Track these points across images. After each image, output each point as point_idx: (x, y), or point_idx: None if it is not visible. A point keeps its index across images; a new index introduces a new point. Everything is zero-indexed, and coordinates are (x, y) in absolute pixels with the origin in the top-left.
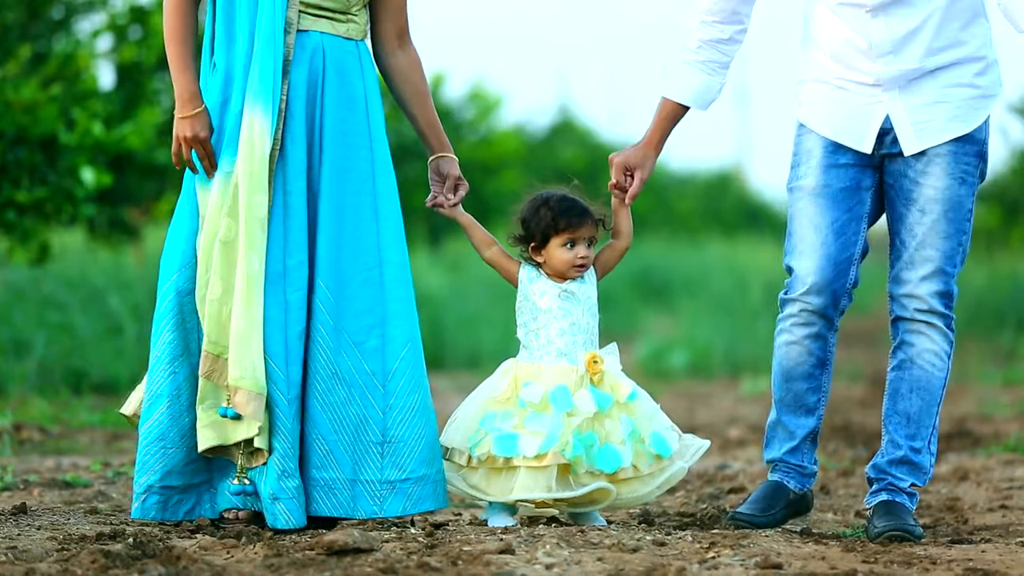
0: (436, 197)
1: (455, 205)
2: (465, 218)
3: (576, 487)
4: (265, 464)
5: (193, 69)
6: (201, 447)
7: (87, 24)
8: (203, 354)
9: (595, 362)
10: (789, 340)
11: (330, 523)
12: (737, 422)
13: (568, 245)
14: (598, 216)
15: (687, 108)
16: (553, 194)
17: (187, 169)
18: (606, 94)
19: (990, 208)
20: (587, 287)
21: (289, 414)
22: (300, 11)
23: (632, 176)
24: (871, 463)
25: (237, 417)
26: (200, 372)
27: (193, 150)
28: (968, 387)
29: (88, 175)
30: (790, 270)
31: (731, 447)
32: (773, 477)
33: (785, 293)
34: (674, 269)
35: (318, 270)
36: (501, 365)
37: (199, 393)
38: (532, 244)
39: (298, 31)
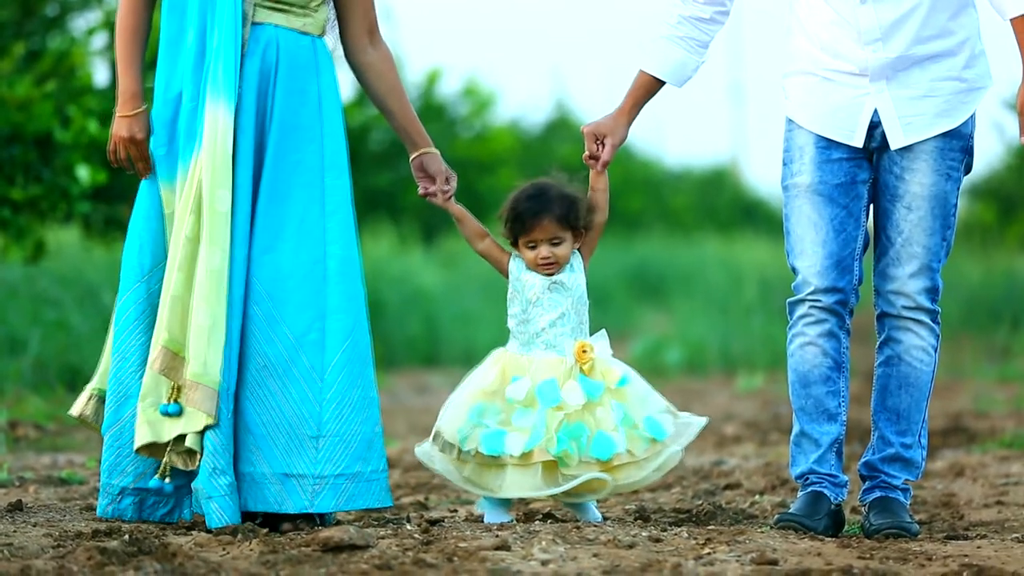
0: (428, 188)
1: (449, 197)
2: (457, 209)
3: (564, 482)
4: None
5: (138, 68)
6: (136, 444)
7: (82, 21)
8: (160, 350)
9: (584, 351)
10: (803, 342)
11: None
12: (733, 419)
13: (530, 246)
14: (564, 212)
15: (662, 83)
16: (523, 192)
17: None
18: (602, 90)
19: (986, 204)
20: (576, 276)
21: (227, 409)
22: (255, 4)
23: (604, 144)
24: (863, 460)
25: (177, 414)
26: (153, 367)
27: (128, 151)
28: (964, 383)
29: (83, 173)
30: (795, 271)
31: (727, 443)
32: (808, 489)
33: (793, 296)
34: (669, 265)
35: (252, 262)
36: (491, 354)
37: (143, 390)
38: (510, 242)
39: (252, 23)
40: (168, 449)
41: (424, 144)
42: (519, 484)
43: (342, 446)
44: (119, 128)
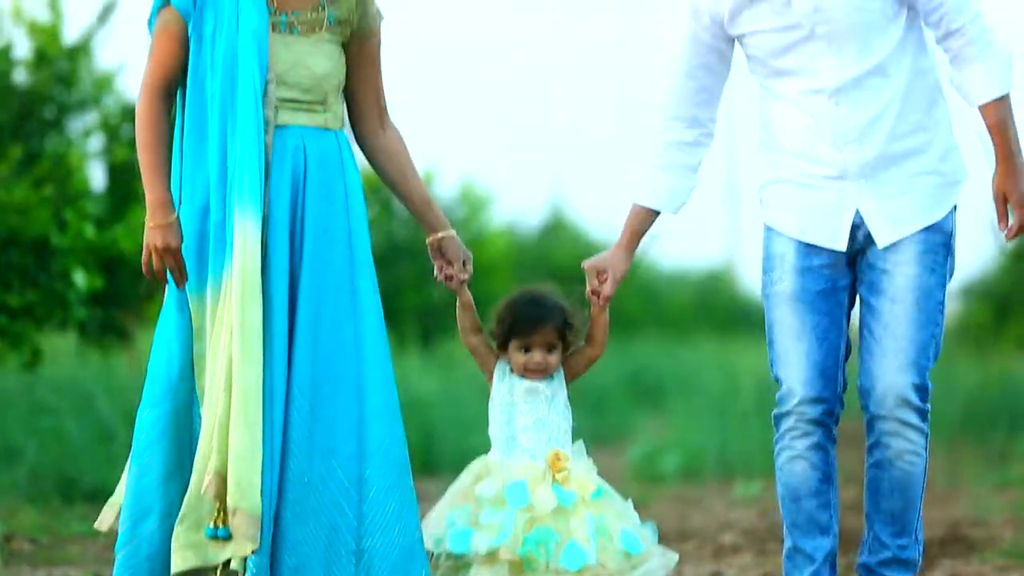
0: (444, 270)
1: (465, 282)
2: (466, 297)
3: None
4: None
5: (165, 177)
6: (176, 568)
7: (79, 124)
8: (212, 476)
9: (558, 459)
10: (791, 455)
11: None
12: (731, 527)
13: (523, 350)
14: (562, 321)
15: (658, 213)
16: (521, 297)
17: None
18: (600, 193)
19: (981, 306)
20: (555, 385)
21: (268, 530)
22: (277, 106)
23: (606, 280)
24: (860, 561)
25: (227, 538)
26: (206, 495)
27: (164, 260)
28: (961, 490)
29: (80, 278)
30: (779, 381)
31: (725, 554)
32: None
33: (778, 408)
34: (665, 369)
35: (293, 375)
36: (471, 463)
37: (182, 511)
38: (498, 343)
39: (277, 126)
40: (219, 571)
41: (441, 227)
42: None
43: (380, 559)
44: (153, 238)
